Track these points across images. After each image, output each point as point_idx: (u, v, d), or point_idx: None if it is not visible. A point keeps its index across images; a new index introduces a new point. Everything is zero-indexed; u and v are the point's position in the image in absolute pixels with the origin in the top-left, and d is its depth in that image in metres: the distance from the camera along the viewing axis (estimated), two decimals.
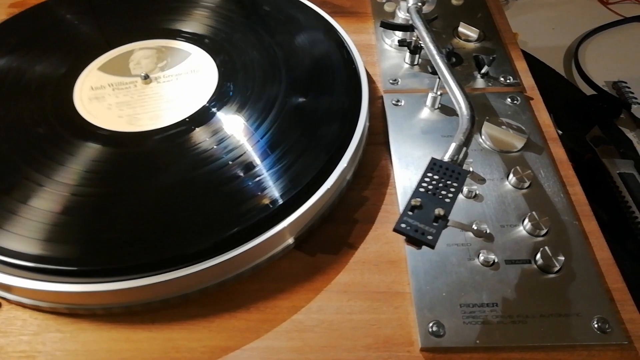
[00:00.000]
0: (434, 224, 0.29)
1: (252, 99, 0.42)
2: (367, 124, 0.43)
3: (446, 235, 0.36)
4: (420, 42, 0.47)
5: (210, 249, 0.33)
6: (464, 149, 0.33)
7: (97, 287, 0.32)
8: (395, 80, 0.48)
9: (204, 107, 0.42)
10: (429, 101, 0.45)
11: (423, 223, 0.29)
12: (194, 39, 0.48)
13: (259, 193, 0.35)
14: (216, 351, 0.32)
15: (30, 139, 0.40)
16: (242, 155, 0.38)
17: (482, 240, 0.36)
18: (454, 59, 0.42)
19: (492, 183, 0.39)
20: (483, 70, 0.47)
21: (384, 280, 0.35)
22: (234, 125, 0.40)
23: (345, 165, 0.37)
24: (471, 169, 0.39)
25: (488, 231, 0.36)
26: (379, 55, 0.51)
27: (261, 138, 0.39)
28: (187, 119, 0.41)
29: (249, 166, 0.37)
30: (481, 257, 0.35)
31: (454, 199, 0.30)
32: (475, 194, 0.38)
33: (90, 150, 0.39)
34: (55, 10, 0.52)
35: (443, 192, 0.30)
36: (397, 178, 0.40)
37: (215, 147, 0.39)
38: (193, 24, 0.50)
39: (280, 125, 0.40)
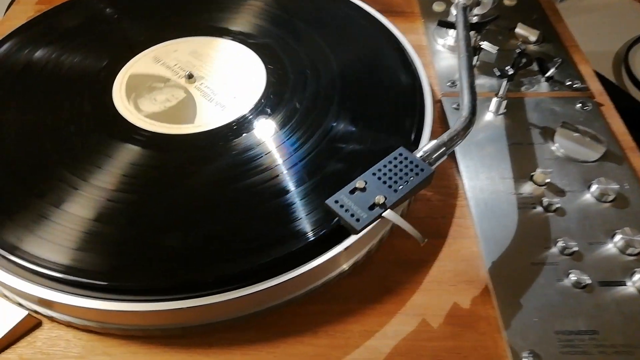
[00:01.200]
0: (370, 210, 0.27)
1: (305, 109, 0.39)
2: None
3: (530, 251, 0.33)
4: (479, 42, 0.44)
5: (271, 266, 0.29)
6: (443, 149, 0.30)
7: (133, 306, 0.28)
8: (453, 82, 0.45)
9: (254, 108, 0.39)
10: (492, 106, 0.42)
11: (358, 205, 0.27)
12: (242, 38, 0.45)
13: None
14: None
15: (66, 137, 0.37)
16: (297, 164, 0.35)
17: (569, 259, 0.32)
18: (524, 60, 0.39)
19: (572, 195, 0.36)
20: (548, 74, 0.44)
21: (465, 303, 0.31)
22: (288, 132, 0.37)
23: None
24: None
25: (576, 249, 0.33)
26: (432, 56, 0.48)
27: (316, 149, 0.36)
28: (233, 124, 0.38)
29: (305, 178, 0.34)
30: (572, 278, 0.31)
31: (403, 192, 0.28)
32: (556, 207, 0.35)
33: (130, 153, 0.36)
34: (92, 4, 0.49)
35: (395, 183, 0.28)
36: (467, 189, 0.37)
37: (265, 155, 0.35)
38: (241, 22, 0.47)
39: (340, 134, 0.37)
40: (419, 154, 0.30)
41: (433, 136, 0.36)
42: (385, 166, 0.29)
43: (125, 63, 0.43)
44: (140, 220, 0.32)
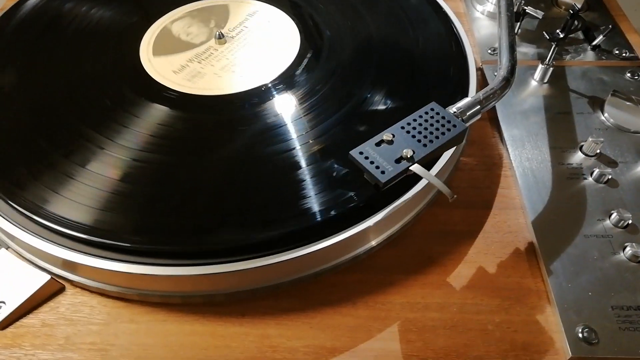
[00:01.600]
0: (396, 163, 0.25)
1: (341, 72, 0.37)
2: None
3: (581, 223, 0.31)
4: (524, 6, 0.41)
5: (306, 232, 0.28)
6: (477, 107, 0.29)
7: (169, 270, 0.27)
8: (494, 50, 0.42)
9: (288, 69, 0.37)
10: (538, 74, 0.39)
11: (383, 158, 0.25)
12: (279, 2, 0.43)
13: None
14: (322, 352, 0.27)
15: (93, 95, 0.35)
16: (330, 129, 0.33)
17: (624, 232, 0.30)
18: (577, 23, 0.37)
19: (624, 167, 0.34)
20: (596, 42, 0.41)
21: (513, 275, 0.29)
22: (325, 95, 0.35)
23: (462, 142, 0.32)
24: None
25: (631, 221, 0.31)
26: (471, 24, 0.45)
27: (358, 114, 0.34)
28: (268, 85, 0.36)
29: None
30: (628, 252, 0.29)
31: (433, 147, 0.26)
32: (608, 178, 0.33)
33: (157, 113, 0.34)
34: None
35: (424, 138, 0.26)
36: (513, 158, 0.34)
37: (303, 117, 0.33)
38: None
39: (382, 101, 0.35)
40: (452, 109, 0.28)
41: None
42: (415, 120, 0.27)
43: (156, 20, 0.41)
44: (170, 181, 0.30)
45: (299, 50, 0.38)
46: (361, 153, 0.26)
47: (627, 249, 0.29)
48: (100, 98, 0.35)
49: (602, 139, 0.34)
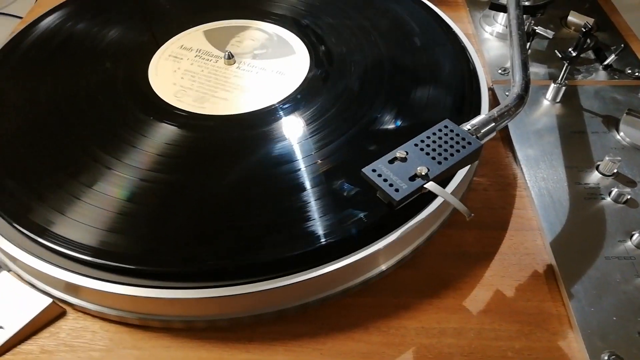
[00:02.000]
0: (410, 181, 0.25)
1: (350, 93, 0.36)
2: None
3: (601, 245, 0.29)
4: (533, 27, 0.41)
5: (314, 255, 0.27)
6: (492, 125, 0.28)
7: (170, 293, 0.26)
8: (505, 70, 0.42)
9: (296, 90, 0.37)
10: (550, 94, 0.39)
11: (397, 176, 0.25)
12: (286, 21, 0.43)
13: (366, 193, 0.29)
14: None
15: (100, 115, 0.35)
16: (340, 150, 0.32)
17: None
18: (589, 42, 0.36)
19: None
20: (608, 61, 0.41)
21: (532, 299, 0.28)
22: (334, 116, 0.34)
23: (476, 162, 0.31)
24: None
25: None
26: (480, 44, 0.45)
27: (366, 133, 0.33)
28: (276, 105, 0.35)
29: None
30: None
31: (448, 165, 0.25)
32: (627, 198, 0.32)
33: (165, 133, 0.33)
34: None
35: (439, 155, 0.26)
36: (528, 178, 0.33)
37: (308, 139, 0.33)
38: (285, 6, 0.45)
39: (392, 121, 0.34)
40: (466, 127, 0.27)
41: None
42: (428, 137, 0.27)
43: (165, 41, 0.41)
44: (175, 202, 0.29)
45: (308, 71, 0.38)
46: (374, 171, 0.25)
47: None
48: (108, 117, 0.34)
49: (619, 158, 0.33)
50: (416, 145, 0.26)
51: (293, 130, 0.33)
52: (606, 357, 0.25)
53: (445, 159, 0.26)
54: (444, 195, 0.24)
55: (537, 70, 0.42)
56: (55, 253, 0.27)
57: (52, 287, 0.28)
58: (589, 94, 0.39)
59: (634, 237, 0.30)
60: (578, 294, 0.27)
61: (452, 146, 0.26)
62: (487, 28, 0.46)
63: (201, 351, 0.27)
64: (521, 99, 0.30)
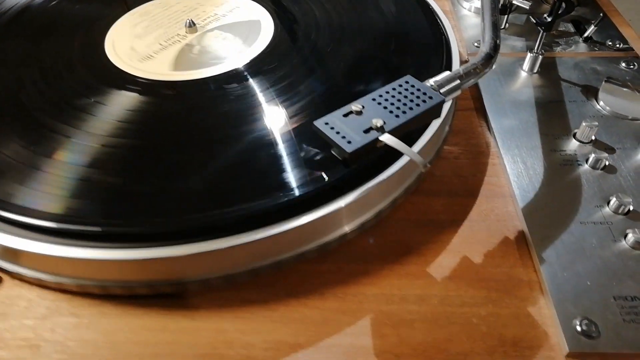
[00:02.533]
0: (364, 133, 0.23)
1: (316, 58, 0.35)
2: None
3: (577, 211, 0.28)
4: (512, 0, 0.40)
5: (268, 213, 0.25)
6: (457, 82, 0.27)
7: (110, 254, 0.24)
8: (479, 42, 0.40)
9: (260, 55, 0.35)
10: (527, 64, 0.37)
11: (351, 128, 0.23)
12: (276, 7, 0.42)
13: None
14: (282, 348, 0.23)
15: (58, 86, 0.33)
16: (304, 110, 0.30)
17: (625, 219, 0.27)
18: (564, 6, 0.35)
19: (623, 152, 0.31)
20: (587, 33, 0.40)
21: (502, 266, 0.26)
22: (297, 80, 0.33)
23: (442, 118, 0.30)
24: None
25: (632, 207, 0.28)
26: (457, 21, 0.44)
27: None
28: (239, 69, 0.34)
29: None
30: (631, 239, 0.26)
31: (406, 118, 0.24)
32: (605, 164, 0.30)
33: (123, 99, 0.32)
34: None
35: (397, 109, 0.24)
36: (501, 145, 0.32)
37: (274, 97, 0.31)
38: None
39: (359, 88, 0.33)
40: (429, 82, 0.26)
41: (460, 96, 0.32)
42: (387, 92, 0.25)
43: (128, 10, 0.40)
44: (127, 164, 0.28)
45: (272, 37, 0.37)
46: (327, 124, 0.24)
47: (629, 235, 0.26)
48: (65, 89, 0.33)
49: (596, 123, 0.31)
50: (374, 99, 0.25)
51: (257, 92, 0.32)
52: (578, 322, 0.23)
53: (404, 112, 0.24)
54: (399, 146, 0.23)
55: (514, 43, 0.41)
56: None
57: None
58: (567, 65, 0.38)
59: (611, 202, 0.28)
60: (550, 258, 0.26)
61: (412, 100, 0.25)
62: (465, 4, 0.45)
63: (144, 318, 0.25)
64: (489, 58, 0.29)
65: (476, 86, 0.37)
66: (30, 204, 0.26)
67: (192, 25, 0.37)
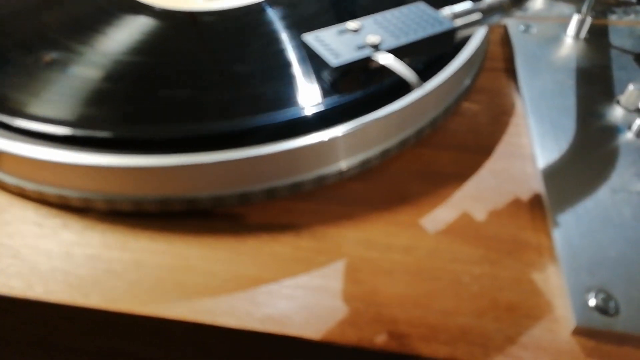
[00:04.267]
0: (358, 49, 0.20)
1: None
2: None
3: (611, 178, 0.24)
4: None
5: (263, 132, 0.23)
6: (476, 16, 0.23)
7: (85, 158, 0.22)
8: None
9: None
10: (572, 28, 0.33)
11: (344, 45, 0.20)
12: None
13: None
14: (243, 281, 0.21)
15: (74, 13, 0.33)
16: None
17: None
18: None
19: None
20: None
21: (508, 226, 0.22)
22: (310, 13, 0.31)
23: (465, 57, 0.26)
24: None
25: None
26: None
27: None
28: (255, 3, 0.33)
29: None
30: None
31: (407, 40, 0.21)
32: None
33: (136, 24, 0.31)
34: None
35: (399, 30, 0.21)
36: (529, 104, 0.28)
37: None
38: None
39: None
40: (444, 11, 0.23)
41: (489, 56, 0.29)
42: (393, 15, 0.22)
43: None
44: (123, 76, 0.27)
45: None
46: (317, 38, 0.21)
47: None
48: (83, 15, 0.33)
49: None
50: (376, 21, 0.22)
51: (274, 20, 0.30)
52: (593, 295, 0.19)
53: (406, 34, 0.21)
54: (392, 64, 0.20)
55: (563, 10, 0.36)
56: None
57: None
58: (622, 33, 0.33)
59: None
60: (567, 223, 0.22)
61: (418, 24, 0.22)
62: None
63: (106, 234, 0.23)
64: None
65: (509, 47, 0.33)
66: (29, 110, 0.25)
67: None
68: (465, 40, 0.29)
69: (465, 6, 0.23)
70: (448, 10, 0.23)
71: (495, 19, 0.24)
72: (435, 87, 0.25)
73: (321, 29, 0.21)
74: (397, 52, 0.21)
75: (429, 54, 0.23)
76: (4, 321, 0.23)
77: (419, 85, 0.19)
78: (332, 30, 0.21)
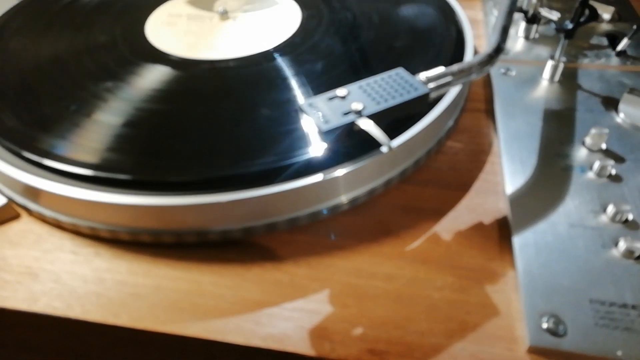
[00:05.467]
0: (343, 115, 0.24)
1: (335, 51, 0.37)
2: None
3: (570, 214, 0.27)
4: (540, 9, 0.40)
5: (267, 174, 0.27)
6: (448, 78, 0.27)
7: (109, 197, 0.26)
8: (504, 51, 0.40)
9: (285, 42, 0.38)
10: (547, 71, 0.37)
11: (332, 111, 0.24)
12: None
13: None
14: (248, 304, 0.24)
15: (99, 60, 0.37)
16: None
17: (621, 227, 0.26)
18: (587, 13, 0.34)
19: (634, 164, 0.30)
20: (621, 46, 0.38)
21: (478, 257, 0.26)
22: (317, 72, 0.35)
23: (446, 105, 0.30)
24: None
25: (631, 216, 0.26)
26: (486, 29, 0.44)
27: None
28: (265, 51, 0.37)
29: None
30: (622, 246, 0.25)
31: (387, 105, 0.25)
32: (611, 173, 0.29)
33: (157, 74, 0.35)
34: None
35: (381, 97, 0.25)
36: (503, 145, 0.31)
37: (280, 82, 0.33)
38: None
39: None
40: (419, 77, 0.26)
41: (471, 97, 0.33)
42: (376, 82, 0.26)
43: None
44: (149, 124, 0.31)
45: (299, 28, 0.39)
46: (310, 104, 0.25)
47: (621, 243, 0.25)
48: (109, 64, 0.37)
49: (606, 130, 0.30)
50: (360, 87, 0.26)
51: (285, 72, 0.34)
52: (545, 319, 0.22)
53: (386, 100, 0.25)
54: (371, 129, 0.24)
55: (540, 52, 0.40)
56: (13, 153, 0.29)
57: (10, 189, 0.30)
58: (592, 77, 0.37)
59: (609, 209, 0.27)
60: (528, 253, 0.25)
61: (397, 90, 0.26)
62: (496, 12, 0.45)
63: (132, 263, 0.27)
64: (489, 59, 0.29)
65: (490, 89, 0.36)
66: (61, 152, 0.29)
67: (224, 12, 0.40)
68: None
69: (438, 71, 0.27)
70: (423, 76, 0.27)
71: (467, 79, 0.28)
72: (405, 142, 0.29)
73: (315, 96, 0.25)
74: (378, 116, 0.25)
75: (406, 114, 0.26)
76: (45, 335, 0.27)
77: (389, 146, 0.23)
78: (323, 96, 0.25)
